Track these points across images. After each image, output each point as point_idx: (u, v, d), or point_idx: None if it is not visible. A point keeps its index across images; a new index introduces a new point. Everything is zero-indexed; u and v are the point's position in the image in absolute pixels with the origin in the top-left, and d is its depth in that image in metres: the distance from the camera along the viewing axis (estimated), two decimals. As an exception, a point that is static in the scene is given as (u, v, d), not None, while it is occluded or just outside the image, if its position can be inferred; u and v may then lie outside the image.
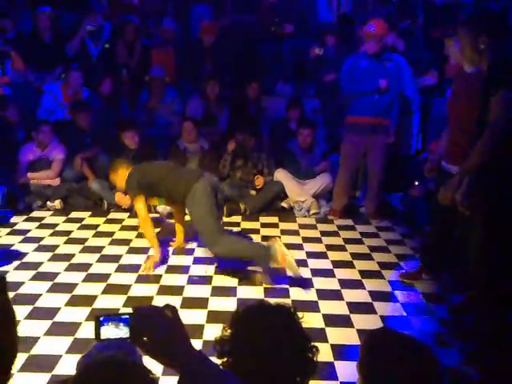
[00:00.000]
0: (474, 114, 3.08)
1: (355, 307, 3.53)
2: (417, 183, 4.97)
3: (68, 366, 2.73)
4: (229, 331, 1.41)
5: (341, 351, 2.99)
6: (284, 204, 5.42)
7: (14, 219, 4.97)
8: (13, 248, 4.37)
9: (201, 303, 3.53)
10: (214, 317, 3.32)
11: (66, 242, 4.53)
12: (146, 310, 1.11)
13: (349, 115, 5.08)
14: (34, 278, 3.85)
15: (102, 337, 1.11)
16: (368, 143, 5.01)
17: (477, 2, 6.53)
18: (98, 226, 4.94)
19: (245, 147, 5.54)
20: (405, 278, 3.95)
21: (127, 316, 1.10)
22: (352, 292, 3.76)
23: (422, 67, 5.86)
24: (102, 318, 1.11)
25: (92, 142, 5.59)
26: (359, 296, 3.71)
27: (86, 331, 3.16)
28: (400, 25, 6.36)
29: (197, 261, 4.22)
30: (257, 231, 4.88)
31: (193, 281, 3.87)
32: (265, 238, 4.73)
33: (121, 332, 1.10)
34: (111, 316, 1.12)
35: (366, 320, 3.37)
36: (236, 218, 5.20)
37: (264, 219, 5.19)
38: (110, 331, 1.11)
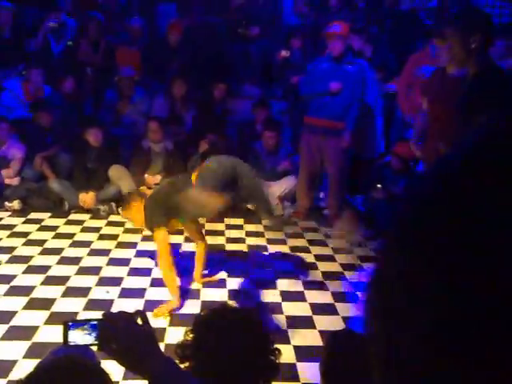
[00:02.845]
0: (456, 120, 3.09)
1: (318, 308, 3.56)
2: (379, 186, 5.04)
3: (25, 371, 2.64)
4: (191, 335, 1.40)
5: (303, 352, 3.01)
6: (249, 206, 5.42)
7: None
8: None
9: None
10: (176, 320, 3.28)
11: (24, 244, 4.40)
12: (116, 316, 1.10)
13: (305, 116, 5.14)
14: (-11, 281, 3.73)
15: (71, 342, 1.10)
16: (321, 145, 5.06)
17: (439, 8, 6.70)
18: (57, 227, 4.82)
19: (216, 148, 5.52)
20: None
21: (96, 322, 1.09)
22: (315, 293, 3.78)
23: (388, 73, 5.96)
24: (70, 323, 1.10)
25: (53, 140, 5.46)
26: (322, 297, 3.74)
27: (45, 335, 3.08)
28: (368, 30, 6.45)
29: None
30: (221, 233, 4.87)
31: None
32: (230, 239, 4.73)
33: (89, 338, 1.09)
34: (79, 321, 1.12)
35: (328, 321, 3.39)
36: (200, 220, 5.16)
37: (229, 221, 5.17)
38: (78, 337, 1.10)
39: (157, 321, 3.22)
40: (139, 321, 1.12)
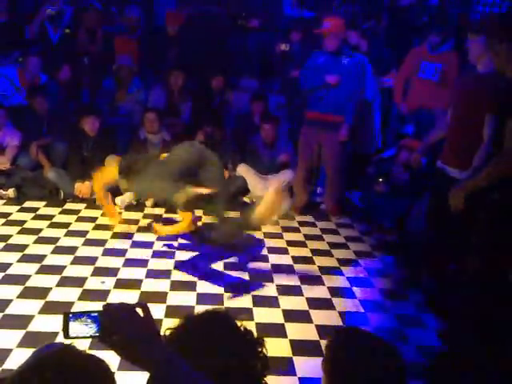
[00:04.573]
0: (482, 118, 2.99)
1: (314, 303, 3.56)
2: (381, 180, 5.03)
3: (19, 359, 2.63)
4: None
5: (300, 347, 3.00)
6: (246, 199, 5.41)
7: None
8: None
9: (160, 297, 3.47)
10: (173, 311, 3.27)
11: (19, 232, 4.37)
12: (117, 308, 1.09)
13: (306, 111, 5.12)
14: (-16, 269, 3.70)
15: (71, 334, 1.08)
16: (319, 139, 5.04)
17: (441, 4, 6.69)
18: (53, 216, 4.79)
19: (213, 140, 5.49)
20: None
21: (96, 313, 1.08)
22: (311, 288, 3.78)
23: (383, 67, 5.95)
24: (70, 315, 1.09)
25: (49, 129, 5.41)
26: (318, 292, 3.73)
27: (39, 324, 3.06)
28: (363, 25, 6.43)
29: (156, 254, 4.15)
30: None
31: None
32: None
33: (89, 330, 1.08)
34: (79, 313, 1.09)
35: (324, 316, 3.39)
36: (197, 212, 5.13)
37: (226, 214, 5.14)
38: (79, 329, 1.08)
39: (153, 312, 3.20)
40: (140, 312, 1.10)
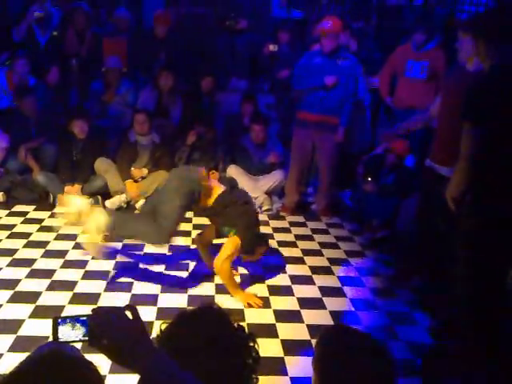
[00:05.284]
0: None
1: (305, 302, 3.57)
2: (369, 179, 5.05)
3: (10, 364, 2.61)
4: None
5: (291, 346, 3.01)
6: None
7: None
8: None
9: (150, 300, 3.47)
10: (163, 314, 3.27)
11: (8, 237, 4.34)
12: (106, 311, 1.09)
13: (298, 111, 5.11)
14: (-27, 274, 3.67)
15: (61, 338, 1.08)
16: (315, 140, 5.06)
17: (425, 5, 6.75)
18: (42, 220, 4.76)
19: (204, 140, 5.49)
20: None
21: (85, 317, 1.08)
22: (302, 288, 3.79)
23: (373, 67, 5.98)
24: (59, 319, 1.09)
25: (38, 132, 5.38)
26: (309, 291, 3.75)
27: (29, 329, 3.05)
28: (353, 25, 6.46)
29: (147, 257, 4.14)
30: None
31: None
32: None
33: (79, 333, 1.08)
34: (69, 317, 1.10)
35: (316, 315, 3.41)
36: (187, 214, 5.13)
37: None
38: (68, 332, 1.09)
39: (145, 314, 3.20)
40: (129, 315, 1.11)
